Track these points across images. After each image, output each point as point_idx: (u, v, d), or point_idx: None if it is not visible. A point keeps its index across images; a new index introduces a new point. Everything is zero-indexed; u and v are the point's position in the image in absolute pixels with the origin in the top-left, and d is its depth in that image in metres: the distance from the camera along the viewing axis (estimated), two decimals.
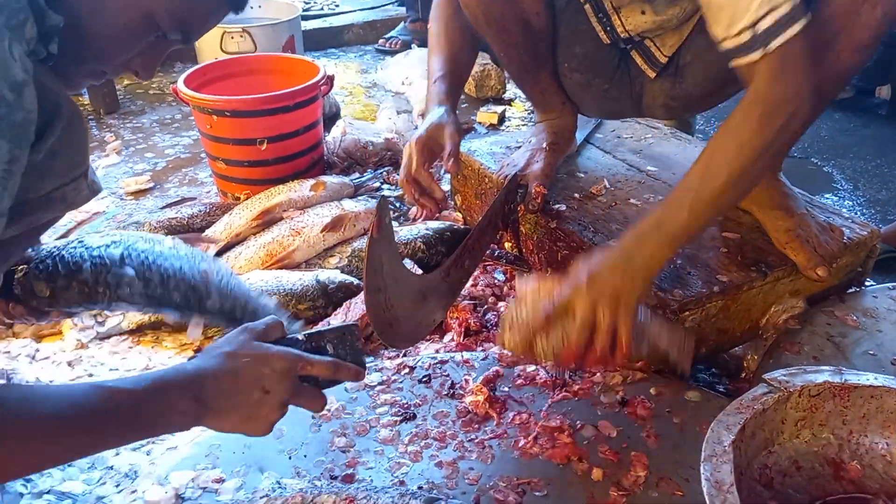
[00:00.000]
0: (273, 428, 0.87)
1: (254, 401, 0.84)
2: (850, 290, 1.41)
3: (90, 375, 1.37)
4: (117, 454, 1.17)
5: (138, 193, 2.06)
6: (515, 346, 1.00)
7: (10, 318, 1.11)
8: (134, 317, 1.47)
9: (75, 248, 1.06)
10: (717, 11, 1.00)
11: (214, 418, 0.83)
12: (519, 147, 1.65)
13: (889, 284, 1.40)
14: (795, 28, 0.97)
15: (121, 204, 2.01)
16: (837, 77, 1.18)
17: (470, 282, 1.49)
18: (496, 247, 1.58)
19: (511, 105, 2.68)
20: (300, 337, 0.90)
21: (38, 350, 1.43)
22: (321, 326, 0.96)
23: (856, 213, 2.13)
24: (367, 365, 1.27)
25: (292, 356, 0.87)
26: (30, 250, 1.02)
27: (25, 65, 0.68)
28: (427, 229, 1.63)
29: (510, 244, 1.56)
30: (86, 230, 1.85)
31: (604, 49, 1.34)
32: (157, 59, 0.90)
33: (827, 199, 2.21)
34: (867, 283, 1.46)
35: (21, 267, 1.04)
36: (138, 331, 1.47)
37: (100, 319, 1.46)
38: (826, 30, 1.12)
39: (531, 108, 2.62)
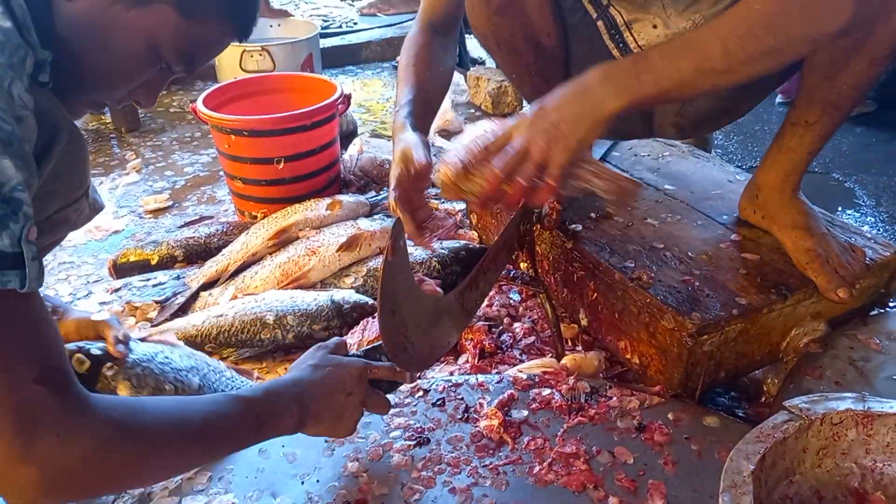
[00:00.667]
0: (356, 427, 1.01)
1: (340, 403, 0.98)
2: (873, 313, 1.38)
3: None
4: None
5: (157, 212, 2.08)
6: (447, 180, 1.02)
7: None
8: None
9: (163, 363, 1.18)
10: None
11: (314, 421, 0.96)
12: None
13: None
14: None
15: (140, 222, 2.03)
16: (854, 89, 1.17)
17: (485, 302, 1.48)
18: (511, 267, 1.57)
19: None
20: (360, 353, 1.09)
21: None
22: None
23: (878, 230, 2.09)
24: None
25: (362, 363, 1.03)
26: (123, 348, 1.16)
27: (26, 102, 0.69)
28: (443, 248, 1.63)
29: (525, 264, 1.55)
30: (105, 249, 1.87)
31: None
32: (159, 89, 0.91)
33: (849, 215, 2.18)
34: (891, 305, 1.43)
35: (109, 365, 1.15)
36: None
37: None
38: (842, 42, 1.11)
39: None
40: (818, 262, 1.25)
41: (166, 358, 1.20)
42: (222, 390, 1.21)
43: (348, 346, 1.37)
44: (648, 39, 1.29)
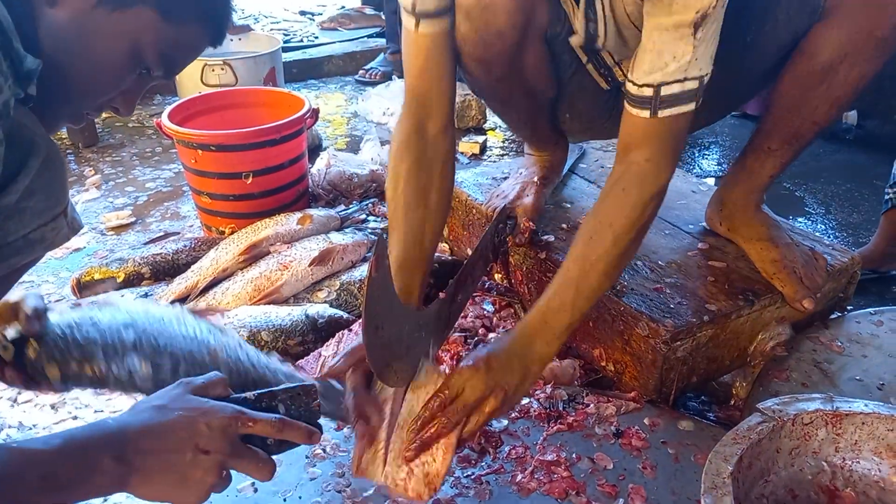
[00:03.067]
0: (209, 495, 0.76)
1: (187, 461, 0.74)
2: (834, 316, 1.44)
3: (74, 418, 1.34)
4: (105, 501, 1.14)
5: (119, 228, 2.04)
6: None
7: (4, 383, 1.06)
8: None
9: (89, 330, 0.96)
10: (641, 51, 1.04)
11: (142, 482, 0.73)
12: (506, 177, 1.67)
13: (871, 309, 1.43)
14: (689, 107, 1.03)
15: (102, 239, 1.98)
16: (815, 125, 1.24)
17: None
18: (486, 278, 1.59)
19: (491, 133, 2.71)
20: (249, 396, 0.82)
21: (19, 393, 1.40)
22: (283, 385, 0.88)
23: (829, 237, 2.18)
24: None
25: (232, 411, 0.77)
26: (37, 324, 0.97)
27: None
28: None
29: (500, 275, 1.57)
30: (66, 267, 1.83)
31: (602, 96, 1.37)
32: (138, 96, 0.90)
33: (800, 222, 2.26)
34: (849, 309, 1.49)
35: (32, 346, 0.99)
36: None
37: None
38: (805, 83, 1.18)
39: (512, 137, 2.65)
40: (785, 273, 1.30)
41: (91, 319, 0.96)
42: (164, 345, 0.93)
43: (324, 358, 1.37)
44: None
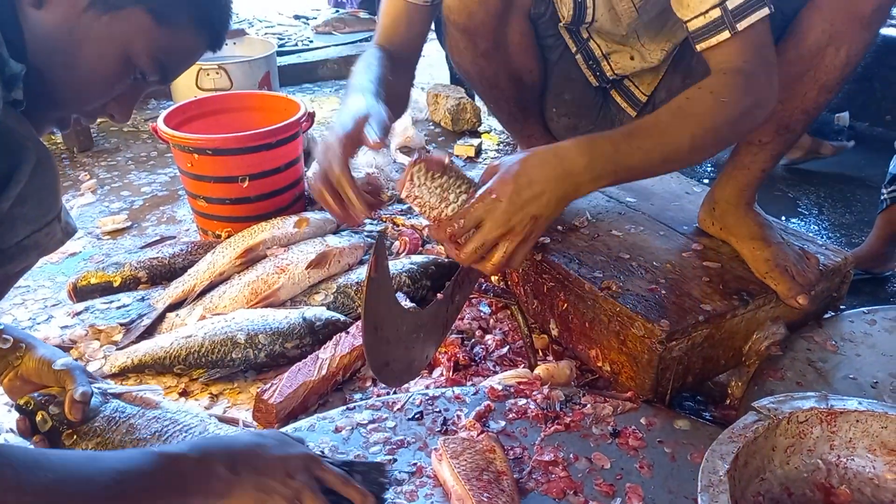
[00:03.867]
0: None
1: (277, 482, 0.85)
2: (827, 315, 1.45)
3: None
4: None
5: (115, 233, 2.04)
6: (420, 183, 1.00)
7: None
8: (116, 360, 1.45)
9: (126, 429, 1.11)
10: None
11: (241, 493, 0.83)
12: None
13: (864, 309, 1.45)
14: (763, 12, 1.01)
15: (97, 244, 1.98)
16: (805, 114, 1.24)
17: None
18: (483, 280, 1.59)
19: (486, 136, 2.72)
20: (334, 459, 0.98)
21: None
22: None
23: (822, 237, 2.19)
24: (358, 403, 1.27)
25: (315, 454, 0.91)
26: (80, 413, 1.07)
27: None
28: (412, 264, 1.64)
29: (496, 277, 1.58)
30: (62, 271, 1.83)
31: (590, 91, 1.38)
32: (134, 102, 0.90)
33: (794, 223, 2.27)
34: (842, 308, 1.51)
35: (69, 432, 1.10)
36: (121, 374, 1.45)
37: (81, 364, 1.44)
38: (793, 70, 1.18)
39: (506, 139, 2.66)
40: (777, 271, 1.31)
41: (129, 422, 1.11)
42: None
43: (321, 361, 1.38)
44: (625, 67, 1.34)
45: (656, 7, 1.23)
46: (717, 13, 1.01)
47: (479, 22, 1.23)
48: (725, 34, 1.02)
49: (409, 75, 1.33)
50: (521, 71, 1.35)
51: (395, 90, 1.21)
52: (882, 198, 1.79)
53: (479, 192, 0.98)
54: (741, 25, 1.02)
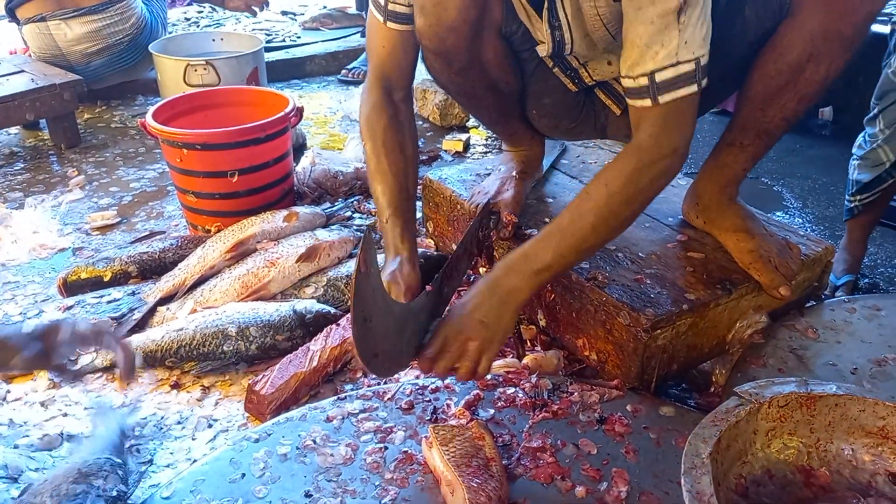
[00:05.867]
0: None
1: None
2: (809, 304, 1.48)
3: (64, 415, 1.35)
4: None
5: (105, 228, 2.04)
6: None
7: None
8: (108, 354, 1.45)
9: None
10: (629, 47, 1.08)
11: None
12: (489, 174, 1.69)
13: (844, 297, 1.48)
14: (690, 89, 1.07)
15: (86, 239, 1.98)
16: (784, 121, 1.28)
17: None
18: (471, 272, 1.61)
19: (474, 132, 2.73)
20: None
21: (9, 391, 1.40)
22: None
23: (806, 230, 2.23)
24: (349, 393, 1.29)
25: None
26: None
27: None
28: None
29: (484, 269, 1.59)
30: (51, 267, 1.83)
31: (570, 95, 1.41)
32: None
33: (778, 216, 2.31)
34: (824, 296, 1.54)
35: None
36: (112, 368, 1.45)
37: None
38: (773, 83, 1.22)
39: (494, 134, 2.68)
40: (760, 263, 1.34)
41: None
42: None
43: (312, 353, 1.39)
44: (603, 73, 1.37)
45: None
46: (644, 81, 1.07)
47: (450, 45, 1.26)
48: (647, 102, 1.09)
49: (411, 111, 1.39)
50: (497, 83, 1.38)
51: (413, 167, 1.35)
52: (850, 206, 1.81)
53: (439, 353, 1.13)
54: (663, 99, 1.07)
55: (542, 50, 1.26)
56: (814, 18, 1.15)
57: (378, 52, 1.33)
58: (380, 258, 1.21)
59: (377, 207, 1.31)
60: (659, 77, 1.06)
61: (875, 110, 1.72)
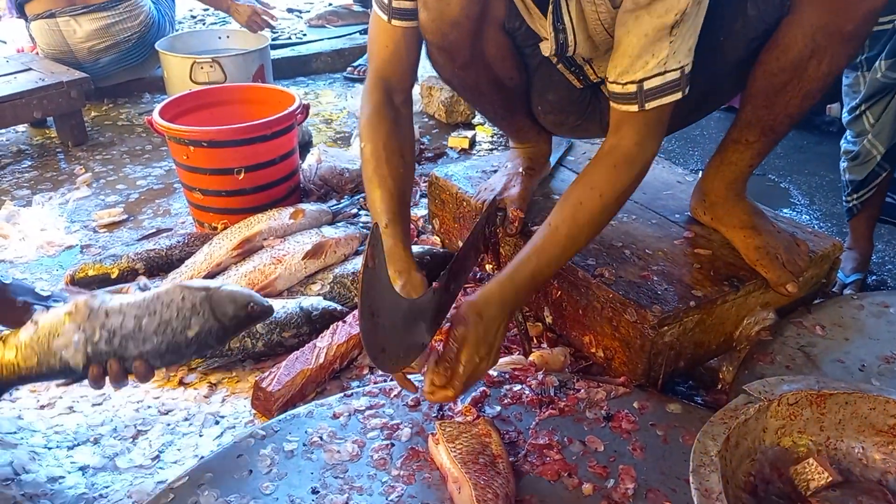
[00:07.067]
0: None
1: None
2: (816, 301, 1.47)
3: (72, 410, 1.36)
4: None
5: (112, 226, 2.05)
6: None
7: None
8: None
9: None
10: (620, 56, 1.11)
11: None
12: (495, 171, 1.69)
13: (852, 294, 1.47)
14: (675, 96, 1.11)
15: (94, 237, 1.99)
16: (789, 118, 1.28)
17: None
18: (478, 269, 1.61)
19: (480, 128, 2.73)
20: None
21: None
22: None
23: (813, 227, 2.22)
24: (356, 390, 1.29)
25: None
26: None
27: None
28: None
29: (491, 266, 1.59)
30: (59, 264, 1.83)
31: (576, 92, 1.40)
32: None
33: (785, 213, 2.30)
34: (832, 293, 1.53)
35: None
36: None
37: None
38: (776, 80, 1.21)
39: (500, 131, 2.67)
40: (767, 259, 1.33)
41: None
42: None
43: (318, 350, 1.39)
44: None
45: None
46: (632, 88, 1.11)
47: (453, 40, 1.26)
48: (634, 107, 1.12)
49: (410, 121, 1.37)
50: (501, 78, 1.39)
51: (410, 172, 1.33)
52: (849, 205, 1.83)
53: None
54: (649, 105, 1.11)
55: (546, 49, 1.26)
56: (814, 15, 1.15)
57: (380, 54, 1.31)
58: None
59: (373, 211, 1.27)
60: (647, 84, 1.10)
61: (857, 112, 1.75)
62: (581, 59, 1.33)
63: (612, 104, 1.15)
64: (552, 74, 1.38)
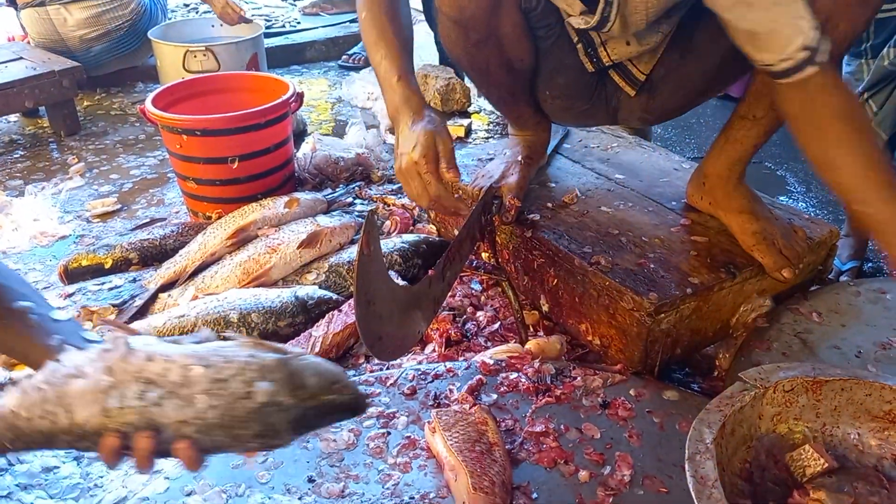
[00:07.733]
0: None
1: None
2: (813, 288, 1.47)
3: None
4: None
5: (105, 216, 2.03)
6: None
7: None
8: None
9: None
10: (766, 38, 1.06)
11: None
12: (491, 159, 1.68)
13: (849, 281, 1.47)
14: (829, 45, 1.06)
15: (87, 227, 1.98)
16: None
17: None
18: (473, 257, 1.61)
19: (476, 117, 2.72)
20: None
21: (10, 378, 1.40)
22: None
23: (810, 214, 2.21)
24: (352, 379, 1.28)
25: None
26: None
27: None
28: (403, 242, 1.65)
29: (487, 254, 1.58)
30: (52, 254, 1.82)
31: (584, 75, 1.39)
32: None
33: (782, 200, 2.29)
34: (829, 280, 1.53)
35: None
36: None
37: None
38: None
39: (496, 119, 2.66)
40: (764, 245, 1.33)
41: None
42: None
43: (314, 339, 1.39)
44: (620, 54, 1.36)
45: (661, 14, 1.25)
46: (805, 55, 1.05)
47: (469, 15, 1.24)
48: (812, 69, 1.06)
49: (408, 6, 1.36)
50: (512, 60, 1.37)
51: (411, 36, 1.31)
52: None
53: None
54: (821, 58, 1.05)
55: (580, 22, 1.24)
56: None
57: None
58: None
59: (379, 73, 1.27)
60: (815, 44, 1.04)
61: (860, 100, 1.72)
62: (599, 39, 1.31)
63: (784, 83, 1.09)
64: (564, 57, 1.37)
